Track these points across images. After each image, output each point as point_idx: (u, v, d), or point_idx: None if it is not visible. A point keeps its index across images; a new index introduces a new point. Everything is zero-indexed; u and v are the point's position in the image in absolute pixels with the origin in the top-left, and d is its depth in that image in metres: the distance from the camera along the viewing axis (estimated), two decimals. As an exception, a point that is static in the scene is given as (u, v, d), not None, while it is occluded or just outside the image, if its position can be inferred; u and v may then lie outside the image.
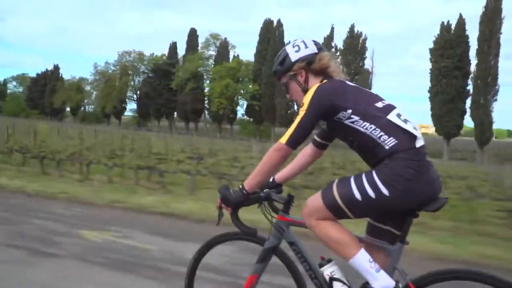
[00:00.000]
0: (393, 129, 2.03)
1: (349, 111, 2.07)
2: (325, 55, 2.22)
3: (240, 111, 62.35)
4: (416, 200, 2.03)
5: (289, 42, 2.47)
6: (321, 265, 2.24)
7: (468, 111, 40.07)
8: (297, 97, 2.30)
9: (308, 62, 2.21)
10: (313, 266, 2.28)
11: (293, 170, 2.52)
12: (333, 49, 49.16)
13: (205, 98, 62.64)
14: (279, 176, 2.52)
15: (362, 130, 2.06)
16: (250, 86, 57.12)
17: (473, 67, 40.05)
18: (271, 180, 2.48)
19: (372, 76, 52.46)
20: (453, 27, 41.64)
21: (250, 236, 2.42)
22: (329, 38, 51.30)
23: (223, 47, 63.27)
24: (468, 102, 40.22)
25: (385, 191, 1.98)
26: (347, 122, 2.08)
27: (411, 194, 2.00)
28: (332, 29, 52.07)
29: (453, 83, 40.17)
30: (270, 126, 56.52)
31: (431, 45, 42.38)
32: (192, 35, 65.54)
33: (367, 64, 51.96)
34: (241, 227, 2.30)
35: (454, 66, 39.87)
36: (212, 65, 62.44)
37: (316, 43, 2.28)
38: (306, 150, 2.50)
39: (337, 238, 2.11)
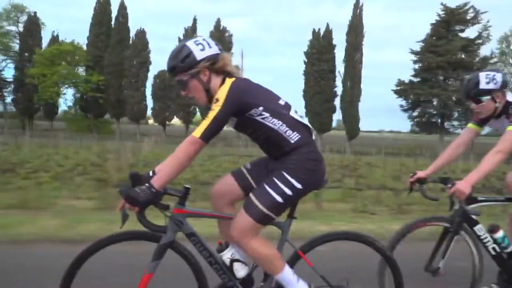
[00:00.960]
0: (295, 125, 2.35)
1: (261, 108, 2.29)
2: (226, 56, 2.37)
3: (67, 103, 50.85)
4: (319, 183, 2.45)
5: (186, 38, 2.56)
6: (220, 250, 2.52)
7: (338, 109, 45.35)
8: (197, 94, 2.38)
9: (212, 62, 2.31)
10: (212, 252, 2.42)
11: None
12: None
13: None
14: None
15: (271, 126, 2.31)
16: (83, 75, 46.86)
17: (342, 71, 44.90)
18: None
19: (242, 74, 50.89)
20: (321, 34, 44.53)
21: (160, 233, 2.38)
22: (192, 30, 46.73)
23: (33, 24, 49.49)
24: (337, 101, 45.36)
25: (298, 185, 2.31)
26: (258, 118, 2.30)
27: (317, 180, 2.42)
28: (195, 20, 47.93)
29: (330, 84, 43.61)
30: (112, 121, 48.32)
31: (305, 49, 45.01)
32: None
33: (236, 61, 50.06)
34: (150, 225, 2.29)
35: (329, 69, 43.29)
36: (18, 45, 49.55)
37: (216, 43, 2.39)
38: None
39: (268, 255, 2.35)
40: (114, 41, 45.84)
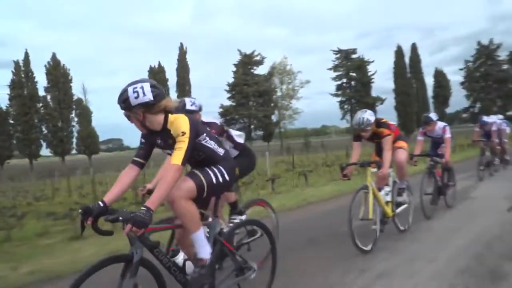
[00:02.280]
0: (220, 144, 3.28)
1: (204, 134, 3.08)
2: (163, 102, 2.81)
3: None
4: (233, 182, 3.39)
5: (130, 82, 2.81)
6: (173, 255, 3.04)
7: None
8: (138, 127, 2.90)
9: (146, 108, 2.76)
10: (170, 259, 2.92)
11: (121, 190, 2.88)
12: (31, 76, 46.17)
13: None
14: (109, 199, 2.76)
15: (210, 146, 3.12)
16: None
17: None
18: (102, 204, 2.69)
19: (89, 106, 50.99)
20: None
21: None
22: (26, 63, 46.72)
23: None
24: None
25: (227, 177, 3.15)
26: (203, 142, 3.06)
27: (233, 181, 3.32)
28: (27, 54, 47.28)
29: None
30: None
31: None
32: None
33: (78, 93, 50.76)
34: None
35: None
36: None
37: (153, 89, 2.78)
38: (129, 172, 2.94)
39: (194, 214, 2.94)
40: None
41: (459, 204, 7.58)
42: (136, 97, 2.74)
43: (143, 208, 2.53)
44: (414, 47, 60.93)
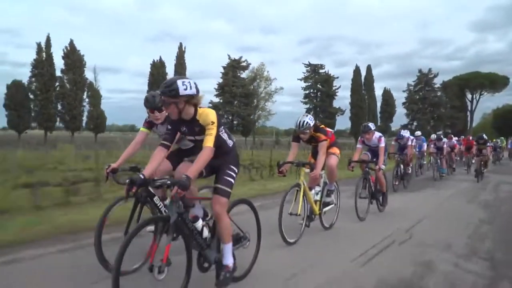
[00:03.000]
0: (230, 137, 3.94)
1: (222, 127, 3.78)
2: (200, 97, 3.58)
3: None
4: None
5: (178, 76, 3.69)
6: (194, 221, 3.69)
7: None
8: (172, 112, 3.52)
9: (188, 99, 3.48)
10: (193, 224, 3.65)
11: (155, 167, 3.62)
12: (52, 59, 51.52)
13: None
14: (147, 173, 3.42)
15: (224, 137, 3.83)
16: None
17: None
18: (142, 177, 3.34)
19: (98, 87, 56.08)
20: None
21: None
22: (47, 45, 52.06)
23: None
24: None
25: (236, 170, 3.94)
26: (219, 133, 3.69)
27: (239, 167, 4.03)
28: (48, 37, 52.36)
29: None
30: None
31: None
32: None
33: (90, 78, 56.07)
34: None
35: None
36: None
37: (196, 86, 3.52)
38: (159, 153, 3.65)
39: (229, 229, 3.79)
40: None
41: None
42: (185, 89, 3.44)
43: (184, 175, 3.25)
44: (369, 68, 72.40)
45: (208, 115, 3.58)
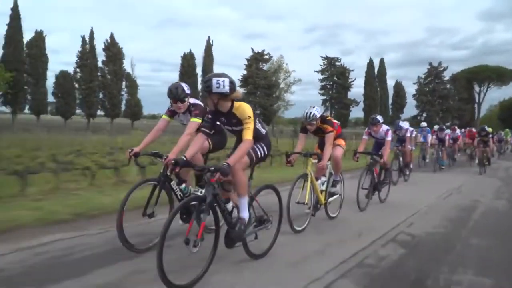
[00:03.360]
0: (263, 125, 4.50)
1: (257, 119, 4.20)
2: (236, 94, 4.03)
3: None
4: (269, 154, 4.57)
5: (214, 74, 4.05)
6: (226, 202, 4.17)
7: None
8: (211, 105, 4.04)
9: (221, 96, 3.93)
10: (224, 205, 4.10)
11: (195, 151, 4.16)
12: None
13: None
14: (189, 156, 3.96)
15: (258, 127, 4.33)
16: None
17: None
18: (185, 159, 3.82)
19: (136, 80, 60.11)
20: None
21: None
22: (91, 38, 56.69)
23: None
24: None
25: (266, 151, 4.48)
26: (256, 125, 4.16)
27: (269, 153, 4.59)
28: (92, 31, 56.92)
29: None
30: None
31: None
32: None
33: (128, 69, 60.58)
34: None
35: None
36: None
37: (230, 84, 3.93)
38: (199, 138, 4.16)
39: (244, 183, 4.12)
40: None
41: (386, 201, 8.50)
42: (217, 87, 3.81)
43: (225, 163, 3.66)
44: (382, 62, 76.26)
45: (245, 110, 4.07)
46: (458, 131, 19.72)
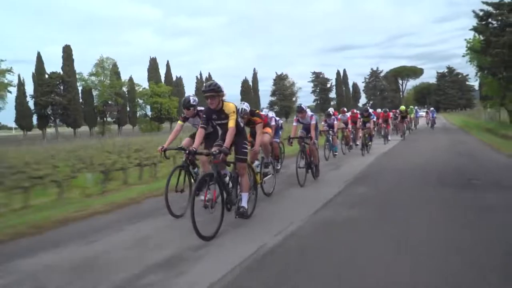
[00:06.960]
0: (241, 120, 5.91)
1: (239, 116, 5.58)
2: (224, 94, 5.32)
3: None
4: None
5: (214, 81, 5.52)
6: (224, 176, 5.52)
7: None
8: (214, 104, 5.34)
9: (222, 95, 5.32)
10: (225, 179, 5.49)
11: (200, 142, 5.45)
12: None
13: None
14: (196, 146, 5.28)
15: (239, 120, 5.55)
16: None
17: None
18: (195, 149, 5.15)
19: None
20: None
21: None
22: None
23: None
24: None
25: (247, 145, 5.86)
26: (238, 120, 5.37)
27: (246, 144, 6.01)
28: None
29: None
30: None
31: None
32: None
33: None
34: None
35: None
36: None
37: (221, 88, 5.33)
38: (201, 132, 5.46)
39: (247, 183, 5.70)
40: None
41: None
42: (222, 87, 5.25)
43: (224, 147, 5.04)
44: (345, 71, 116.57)
45: (231, 107, 5.36)
46: (347, 114, 16.64)
